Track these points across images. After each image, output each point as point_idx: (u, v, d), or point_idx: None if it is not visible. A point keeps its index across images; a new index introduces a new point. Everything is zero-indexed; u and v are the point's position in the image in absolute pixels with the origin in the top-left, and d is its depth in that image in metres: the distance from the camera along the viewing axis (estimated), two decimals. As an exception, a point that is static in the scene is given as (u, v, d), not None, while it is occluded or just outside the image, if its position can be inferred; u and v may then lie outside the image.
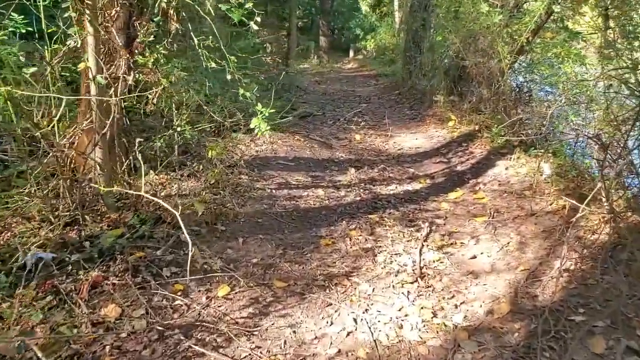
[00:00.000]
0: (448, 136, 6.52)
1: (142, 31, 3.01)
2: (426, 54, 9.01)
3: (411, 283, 3.01)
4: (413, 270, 3.15)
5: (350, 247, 3.39)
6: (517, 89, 5.89)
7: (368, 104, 9.81)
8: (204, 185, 3.75)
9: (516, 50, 6.82)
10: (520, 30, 6.81)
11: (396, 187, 4.72)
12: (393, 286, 2.95)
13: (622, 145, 3.93)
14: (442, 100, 7.78)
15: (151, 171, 3.79)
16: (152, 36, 3.01)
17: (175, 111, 3.27)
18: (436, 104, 8.00)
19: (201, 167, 3.90)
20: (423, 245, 3.49)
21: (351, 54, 23.63)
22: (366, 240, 3.51)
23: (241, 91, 4.83)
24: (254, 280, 2.79)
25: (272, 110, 3.04)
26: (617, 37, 6.13)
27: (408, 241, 3.57)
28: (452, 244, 3.56)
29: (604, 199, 3.62)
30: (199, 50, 3.04)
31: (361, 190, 4.54)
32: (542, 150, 5.07)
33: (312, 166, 5.05)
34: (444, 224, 3.93)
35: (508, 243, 3.49)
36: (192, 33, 3.22)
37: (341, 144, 6.15)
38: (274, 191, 4.15)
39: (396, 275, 3.08)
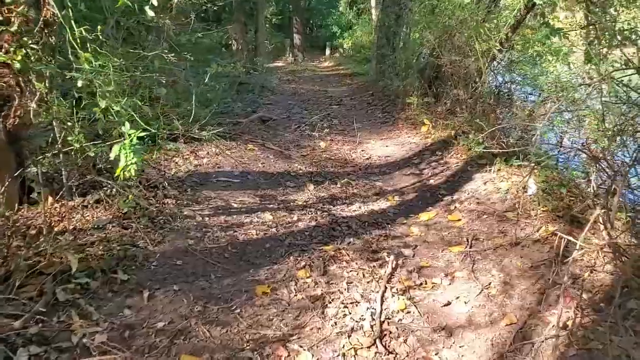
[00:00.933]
0: (421, 143, 5.87)
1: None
2: (399, 52, 8.36)
3: (367, 348, 2.31)
4: (371, 326, 2.45)
5: (295, 296, 2.67)
6: (497, 91, 5.28)
7: (339, 105, 9.11)
8: (113, 215, 2.98)
9: (494, 47, 6.21)
10: (499, 26, 6.20)
11: (360, 207, 4.02)
12: (343, 355, 2.25)
13: (617, 159, 3.34)
14: (416, 103, 7.14)
15: (50, 198, 3.00)
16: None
17: (65, 124, 2.50)
18: (409, 106, 7.35)
19: (114, 190, 3.12)
20: (386, 288, 2.80)
21: (327, 52, 22.94)
22: (316, 284, 2.80)
23: (163, 91, 4.08)
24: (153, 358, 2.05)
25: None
26: (598, 34, 5.59)
27: (368, 282, 2.87)
28: (421, 284, 2.88)
29: (602, 228, 3.00)
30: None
31: (318, 212, 3.83)
32: (526, 162, 4.46)
33: (263, 182, 4.31)
34: (413, 255, 3.25)
35: (489, 284, 2.82)
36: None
37: (302, 153, 5.43)
38: (207, 219, 3.40)
39: (349, 336, 2.37)
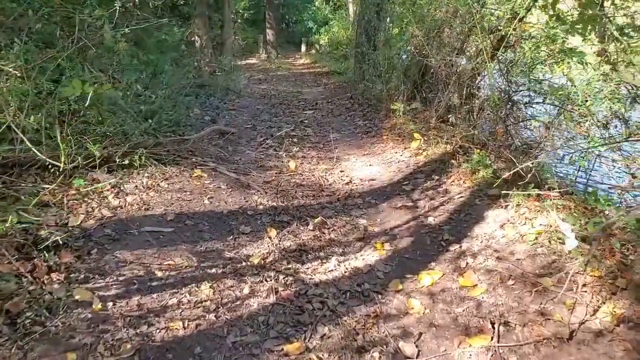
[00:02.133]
0: (412, 162, 4.81)
1: None
2: (381, 50, 7.28)
3: None
4: None
5: None
6: (506, 98, 4.25)
7: (314, 110, 7.99)
8: None
9: (495, 45, 5.20)
10: (502, 18, 5.18)
11: (339, 265, 2.92)
12: None
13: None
14: (402, 110, 6.08)
15: None
16: None
17: None
18: (394, 113, 6.29)
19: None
20: None
21: (303, 48, 21.77)
22: None
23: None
24: None
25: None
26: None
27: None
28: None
29: None
30: None
31: (281, 277, 2.72)
32: (551, 190, 3.44)
33: (207, 230, 3.16)
34: (418, 355, 2.19)
35: None
36: None
37: (266, 178, 4.29)
38: (110, 305, 2.25)
39: None
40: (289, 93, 9.97)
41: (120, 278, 2.47)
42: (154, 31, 8.99)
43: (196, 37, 10.53)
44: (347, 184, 4.40)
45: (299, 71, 15.33)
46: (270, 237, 3.17)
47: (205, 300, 2.43)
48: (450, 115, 6.11)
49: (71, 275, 2.38)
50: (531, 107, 4.18)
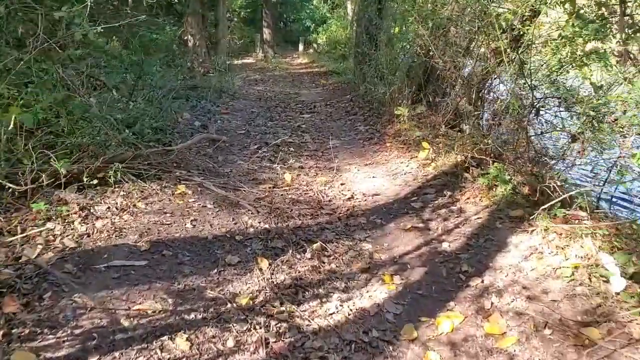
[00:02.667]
0: (420, 174, 4.36)
1: None
2: (383, 50, 6.83)
3: None
4: None
5: None
6: (530, 106, 3.79)
7: (312, 113, 7.54)
8: None
9: (510, 45, 4.76)
10: (516, 15, 4.74)
11: (341, 305, 2.48)
12: None
13: None
14: (407, 115, 5.64)
15: None
16: None
17: None
18: (398, 118, 5.85)
19: None
20: None
21: (301, 47, 21.33)
22: None
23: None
24: None
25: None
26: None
27: None
28: None
29: None
30: None
31: (273, 323, 2.27)
32: (586, 212, 3.01)
33: (187, 262, 2.71)
34: None
35: None
36: None
37: (258, 194, 3.84)
38: (57, 373, 1.81)
39: None
40: (286, 95, 9.51)
41: (77, 331, 2.01)
42: (143, 30, 8.55)
43: (189, 37, 10.07)
44: (348, 199, 3.95)
45: (297, 71, 14.88)
46: (261, 269, 2.73)
47: (180, 358, 1.98)
48: (458, 121, 5.68)
49: (13, 331, 1.93)
50: (556, 115, 3.73)
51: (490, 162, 3.89)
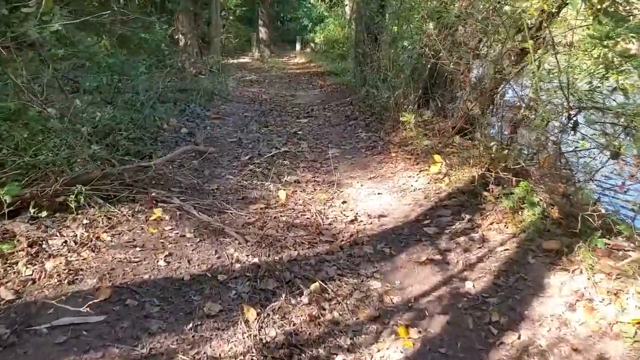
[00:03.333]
0: (431, 191, 3.85)
1: None
2: (386, 50, 6.30)
3: None
4: None
5: None
6: (567, 117, 3.27)
7: (309, 118, 7.01)
8: None
9: (533, 45, 4.26)
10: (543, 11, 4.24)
11: (346, 372, 1.97)
12: None
13: None
14: (413, 122, 5.12)
15: None
16: None
17: None
18: (403, 124, 5.33)
19: None
20: None
21: (298, 47, 20.79)
22: None
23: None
24: None
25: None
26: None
27: None
28: None
29: None
30: None
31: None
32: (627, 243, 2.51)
33: (156, 314, 2.19)
34: None
35: None
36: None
37: (247, 217, 3.31)
38: None
39: None
40: (282, 97, 8.98)
41: None
42: (133, 29, 8.02)
43: (180, 36, 9.52)
44: (351, 222, 3.44)
45: (294, 71, 14.34)
46: (247, 322, 2.21)
47: None
48: (471, 129, 5.17)
49: None
50: (592, 128, 3.22)
51: (512, 179, 3.37)
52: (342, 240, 3.14)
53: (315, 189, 4.06)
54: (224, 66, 11.28)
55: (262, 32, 17.24)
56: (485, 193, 3.48)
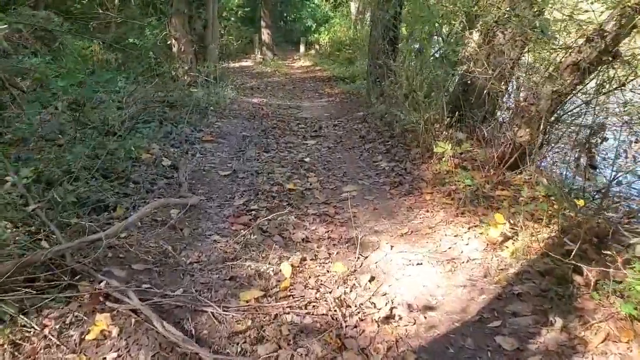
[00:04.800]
0: (493, 266, 2.76)
1: None
2: (412, 62, 5.21)
3: None
4: None
5: None
6: None
7: (317, 138, 5.94)
8: None
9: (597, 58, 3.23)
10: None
11: None
12: None
13: None
14: (450, 152, 4.04)
15: None
16: None
17: None
18: (435, 155, 4.26)
19: None
20: None
21: (302, 49, 19.70)
22: None
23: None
24: None
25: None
26: None
27: None
28: None
29: None
30: None
31: None
32: None
33: None
34: None
35: None
36: None
37: (235, 321, 2.24)
38: None
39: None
40: (286, 109, 7.91)
41: None
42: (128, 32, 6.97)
43: (173, 41, 8.45)
44: (386, 319, 2.36)
45: (298, 76, 13.26)
46: None
47: None
48: (523, 161, 4.09)
49: None
50: None
51: (617, 258, 2.29)
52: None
53: (330, 254, 2.99)
54: (224, 72, 10.21)
55: (265, 35, 16.17)
56: (577, 277, 2.41)
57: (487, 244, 2.95)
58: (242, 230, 3.16)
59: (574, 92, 4.08)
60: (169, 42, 8.51)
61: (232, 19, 18.15)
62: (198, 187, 3.95)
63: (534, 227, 3.03)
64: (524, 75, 4.66)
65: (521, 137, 4.27)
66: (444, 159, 4.16)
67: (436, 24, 4.86)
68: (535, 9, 4.55)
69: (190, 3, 8.70)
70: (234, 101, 7.98)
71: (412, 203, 3.76)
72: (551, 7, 4.27)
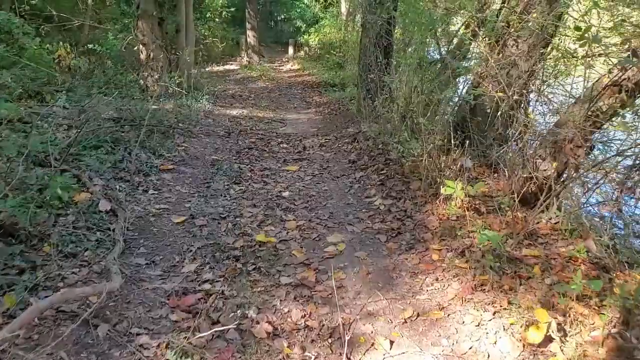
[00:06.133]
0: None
1: None
2: (406, 73, 4.34)
3: None
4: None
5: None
6: None
7: (300, 161, 5.06)
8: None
9: None
10: None
11: None
12: None
13: None
14: (462, 194, 3.18)
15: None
16: None
17: None
18: (445, 199, 3.40)
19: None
20: None
21: (290, 51, 18.80)
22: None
23: None
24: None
25: None
26: None
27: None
28: None
29: None
30: None
31: None
32: None
33: None
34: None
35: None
36: None
37: None
38: None
39: None
40: (268, 123, 7.02)
41: None
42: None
43: (140, 47, 7.51)
44: None
45: (285, 81, 12.36)
46: None
47: None
48: (551, 207, 3.25)
49: None
50: None
51: None
52: None
53: (308, 357, 2.11)
54: (203, 78, 9.29)
55: (250, 37, 15.23)
56: None
57: (523, 342, 2.09)
58: (184, 321, 2.27)
59: (613, 118, 3.25)
60: (135, 48, 7.56)
61: (217, 19, 17.18)
62: (140, 244, 3.04)
63: (583, 314, 2.18)
64: (548, 92, 3.82)
65: (545, 170, 3.44)
66: (452, 201, 3.30)
67: (438, 32, 4.00)
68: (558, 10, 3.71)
69: (160, 4, 7.76)
70: (209, 114, 7.06)
71: (415, 264, 2.89)
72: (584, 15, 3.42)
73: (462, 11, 4.12)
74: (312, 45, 18.06)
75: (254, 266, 2.85)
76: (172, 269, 2.78)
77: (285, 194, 4.09)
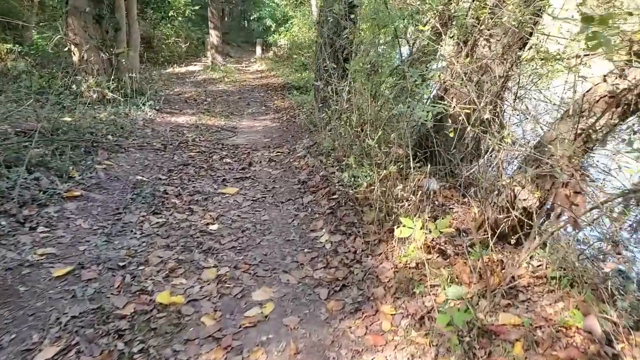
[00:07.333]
0: None
1: None
2: (357, 78, 3.61)
3: None
4: None
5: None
6: None
7: (243, 181, 4.29)
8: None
9: None
10: None
11: None
12: None
13: None
14: (422, 239, 2.46)
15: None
16: None
17: None
18: (400, 233, 2.68)
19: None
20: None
21: (258, 51, 18.00)
22: None
23: None
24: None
25: None
26: None
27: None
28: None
29: None
30: None
31: None
32: None
33: None
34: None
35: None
36: None
37: None
38: None
39: None
40: (217, 132, 6.21)
41: None
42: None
43: (72, 47, 6.56)
44: None
45: (248, 84, 11.54)
46: None
47: None
48: (532, 244, 2.59)
49: None
50: None
51: None
52: None
53: None
54: (153, 82, 8.38)
55: (213, 36, 14.32)
56: None
57: None
58: None
59: (608, 135, 2.60)
60: (66, 49, 6.62)
61: (180, 18, 16.17)
62: (-11, 316, 2.21)
63: None
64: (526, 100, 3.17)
65: (525, 199, 2.80)
66: (411, 243, 2.59)
67: (399, 28, 3.29)
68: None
69: (97, 1, 6.82)
70: (149, 123, 6.19)
71: (360, 336, 2.17)
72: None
73: (425, 6, 3.41)
74: (281, 45, 17.29)
75: (142, 345, 2.07)
76: (20, 358, 1.96)
77: (214, 227, 3.31)
